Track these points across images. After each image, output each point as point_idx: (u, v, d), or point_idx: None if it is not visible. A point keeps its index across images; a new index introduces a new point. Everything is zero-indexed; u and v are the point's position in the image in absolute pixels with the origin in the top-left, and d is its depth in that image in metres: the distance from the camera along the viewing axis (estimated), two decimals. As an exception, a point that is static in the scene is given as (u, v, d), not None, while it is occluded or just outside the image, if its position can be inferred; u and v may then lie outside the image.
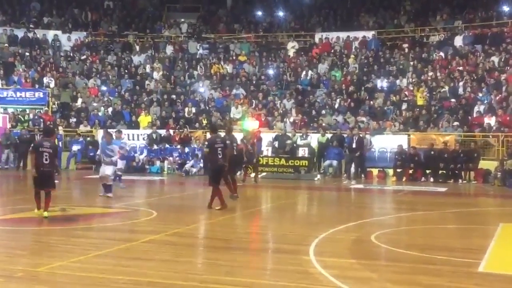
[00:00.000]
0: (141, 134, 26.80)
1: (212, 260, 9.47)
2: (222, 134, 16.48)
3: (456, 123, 24.58)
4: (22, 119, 27.98)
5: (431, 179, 22.95)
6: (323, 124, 26.07)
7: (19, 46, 33.12)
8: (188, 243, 10.98)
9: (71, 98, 30.16)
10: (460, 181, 22.63)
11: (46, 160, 12.93)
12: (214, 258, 9.61)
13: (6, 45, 32.47)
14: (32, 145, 13.70)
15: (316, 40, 33.92)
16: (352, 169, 23.55)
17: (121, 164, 18.64)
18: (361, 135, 23.63)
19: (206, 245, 11.07)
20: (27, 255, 9.63)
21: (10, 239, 11.09)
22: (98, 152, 18.64)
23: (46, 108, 29.16)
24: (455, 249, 10.42)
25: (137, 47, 34.73)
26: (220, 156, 14.56)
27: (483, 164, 22.93)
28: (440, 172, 23.02)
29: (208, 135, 25.65)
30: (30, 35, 33.61)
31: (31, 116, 28.43)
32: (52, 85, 30.29)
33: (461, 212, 15.52)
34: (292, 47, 33.50)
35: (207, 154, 15.29)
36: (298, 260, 9.35)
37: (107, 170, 16.61)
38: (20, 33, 33.52)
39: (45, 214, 12.89)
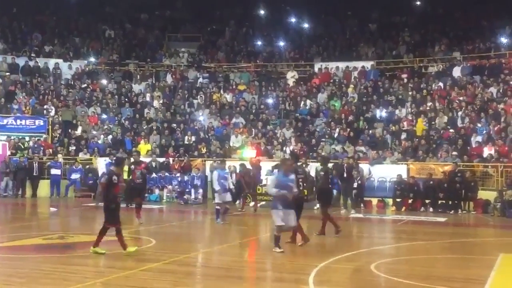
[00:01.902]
0: (140, 162, 26.73)
1: (211, 289, 9.43)
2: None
3: (454, 153, 24.62)
4: (22, 146, 28.01)
5: (431, 209, 22.89)
6: (323, 153, 26.07)
7: (20, 75, 33.31)
8: (187, 271, 10.94)
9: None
10: (459, 211, 22.55)
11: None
12: (213, 286, 9.57)
13: (8, 73, 32.64)
14: (106, 176, 12.39)
15: (316, 70, 34.15)
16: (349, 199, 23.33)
17: (219, 198, 17.83)
18: (351, 163, 23.25)
19: (205, 273, 11.02)
20: (25, 283, 9.59)
21: (8, 267, 11.04)
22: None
23: (46, 136, 29.22)
24: (455, 279, 10.37)
25: (138, 76, 34.92)
26: (301, 188, 13.58)
27: (482, 195, 22.87)
28: (439, 202, 22.97)
29: (210, 163, 25.97)
30: (31, 63, 33.80)
31: (31, 143, 28.48)
32: (52, 113, 30.39)
33: (461, 242, 15.47)
34: (291, 76, 33.68)
35: None
36: (297, 289, 9.31)
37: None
38: (21, 61, 33.71)
39: (133, 249, 12.14)
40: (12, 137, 28.59)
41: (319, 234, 15.30)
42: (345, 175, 22.49)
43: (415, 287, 9.61)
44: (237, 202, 23.57)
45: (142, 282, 9.72)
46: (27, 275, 10.19)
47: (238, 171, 23.57)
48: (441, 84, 30.19)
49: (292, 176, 12.89)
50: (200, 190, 24.99)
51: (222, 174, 17.94)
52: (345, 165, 22.93)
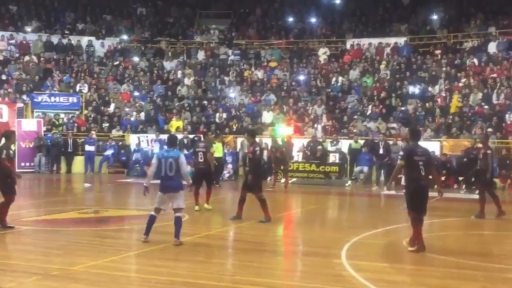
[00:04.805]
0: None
1: (244, 262, 9.53)
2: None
3: (489, 130, 24.25)
4: (57, 123, 28.40)
5: (464, 186, 22.61)
6: (355, 130, 25.94)
7: (55, 52, 33.70)
8: (220, 245, 11.05)
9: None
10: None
11: (201, 158, 14.81)
12: (245, 260, 9.66)
13: (43, 51, 33.07)
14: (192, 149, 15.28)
15: (348, 46, 33.81)
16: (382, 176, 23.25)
17: None
18: (389, 142, 23.28)
19: (238, 247, 11.12)
20: (62, 254, 9.80)
21: (45, 239, 11.29)
22: None
23: (79, 113, 29.56)
24: (489, 255, 10.31)
25: (169, 53, 35.04)
26: (423, 174, 10.67)
27: (518, 172, 22.57)
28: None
29: (244, 141, 25.95)
30: (65, 41, 34.16)
31: (65, 120, 28.88)
32: (85, 90, 30.73)
33: (494, 219, 15.30)
34: (323, 53, 33.41)
35: (404, 169, 11.07)
36: (330, 263, 9.35)
37: None
38: (55, 39, 34.09)
39: (206, 206, 14.78)
40: (47, 114, 29.01)
41: (498, 216, 14.64)
42: (381, 151, 22.45)
43: (448, 262, 9.57)
44: (269, 178, 23.66)
45: (175, 255, 9.85)
46: (64, 247, 10.40)
47: (269, 147, 23.59)
48: (475, 60, 29.67)
49: None
50: (231, 166, 25.09)
51: None
52: (382, 142, 22.89)
